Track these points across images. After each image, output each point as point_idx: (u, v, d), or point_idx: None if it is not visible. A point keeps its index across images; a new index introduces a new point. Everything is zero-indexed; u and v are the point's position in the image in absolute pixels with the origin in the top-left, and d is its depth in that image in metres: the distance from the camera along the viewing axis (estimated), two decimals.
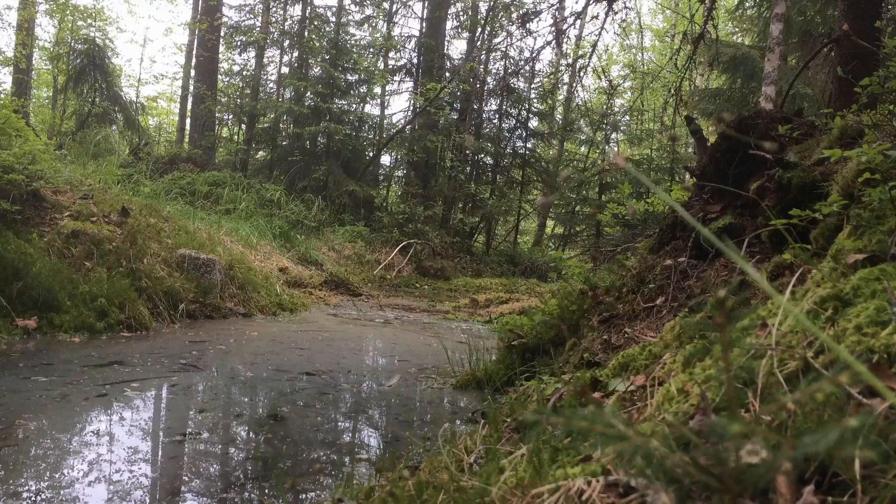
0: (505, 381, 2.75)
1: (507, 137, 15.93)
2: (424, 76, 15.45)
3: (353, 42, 14.96)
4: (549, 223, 18.44)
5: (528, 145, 16.59)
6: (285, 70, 15.98)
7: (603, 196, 14.72)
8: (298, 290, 6.56)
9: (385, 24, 16.67)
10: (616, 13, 6.96)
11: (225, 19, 15.10)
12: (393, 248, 11.30)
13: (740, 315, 0.72)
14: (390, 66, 16.32)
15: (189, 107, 15.67)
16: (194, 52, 15.06)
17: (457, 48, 20.28)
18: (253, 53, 15.91)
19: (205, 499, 1.61)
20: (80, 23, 14.87)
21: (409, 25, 22.93)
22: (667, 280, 2.41)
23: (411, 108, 16.18)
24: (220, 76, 15.81)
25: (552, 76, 15.58)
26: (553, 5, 7.76)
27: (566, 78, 16.86)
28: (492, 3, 14.64)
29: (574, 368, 2.28)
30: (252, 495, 1.64)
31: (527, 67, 14.16)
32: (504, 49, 14.67)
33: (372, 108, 16.28)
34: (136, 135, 14.94)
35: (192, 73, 15.29)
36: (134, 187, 8.27)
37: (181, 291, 4.48)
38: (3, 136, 4.32)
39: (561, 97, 18.08)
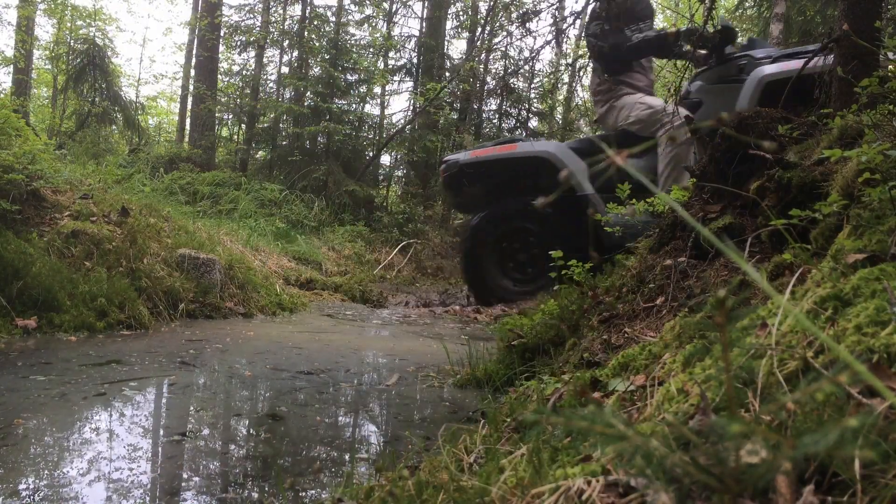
0: (505, 381, 2.75)
1: None
2: (424, 76, 15.44)
3: (353, 42, 14.95)
4: None
5: None
6: (285, 70, 15.97)
7: None
8: (298, 289, 6.56)
9: (385, 23, 16.67)
10: None
11: (225, 19, 15.09)
12: (393, 248, 11.30)
13: (740, 315, 0.72)
14: (390, 66, 16.30)
15: (189, 106, 15.67)
16: (194, 51, 15.07)
17: (457, 48, 20.25)
18: (253, 53, 15.90)
19: (204, 497, 1.61)
20: (79, 22, 14.89)
21: (409, 25, 22.91)
22: (667, 280, 2.41)
23: (411, 107, 16.16)
24: (219, 76, 15.81)
25: (552, 76, 15.58)
26: (553, 5, 7.76)
27: (566, 78, 16.85)
28: (492, 3, 14.64)
29: (574, 368, 2.28)
30: (252, 494, 1.63)
31: (526, 67, 14.16)
32: (504, 49, 14.67)
33: (372, 108, 16.28)
34: (136, 135, 14.95)
35: (192, 72, 15.30)
36: (133, 186, 8.28)
37: (181, 291, 4.47)
38: (3, 136, 4.31)
39: (561, 97, 18.06)
